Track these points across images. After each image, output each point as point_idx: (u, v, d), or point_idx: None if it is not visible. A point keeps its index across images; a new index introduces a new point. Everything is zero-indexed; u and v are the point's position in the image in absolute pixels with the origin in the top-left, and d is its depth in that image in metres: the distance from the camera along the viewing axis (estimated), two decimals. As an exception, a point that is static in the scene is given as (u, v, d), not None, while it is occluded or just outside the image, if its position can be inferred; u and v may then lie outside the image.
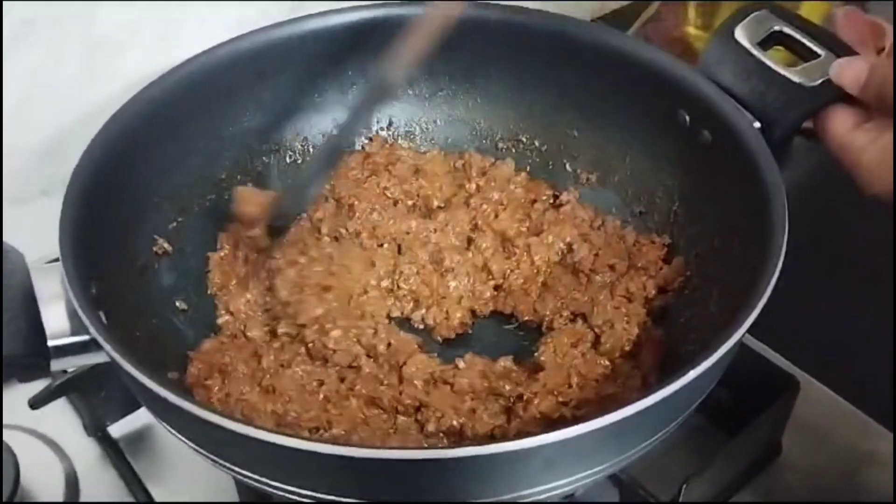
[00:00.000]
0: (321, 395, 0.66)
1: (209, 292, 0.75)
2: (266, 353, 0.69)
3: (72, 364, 0.58)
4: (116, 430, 0.79)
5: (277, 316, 0.71)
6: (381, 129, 0.85)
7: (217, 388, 0.66)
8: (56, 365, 0.57)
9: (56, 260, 0.58)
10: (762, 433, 0.71)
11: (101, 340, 0.54)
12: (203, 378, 0.67)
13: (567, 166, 0.82)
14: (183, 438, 0.57)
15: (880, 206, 0.96)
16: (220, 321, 0.73)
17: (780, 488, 0.74)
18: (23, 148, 0.88)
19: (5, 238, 0.61)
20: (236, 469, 0.55)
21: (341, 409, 0.65)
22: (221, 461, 0.56)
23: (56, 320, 0.57)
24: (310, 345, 0.69)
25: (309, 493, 0.54)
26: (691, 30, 1.15)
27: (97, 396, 0.77)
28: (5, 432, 0.74)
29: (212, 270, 0.75)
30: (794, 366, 0.77)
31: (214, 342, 0.71)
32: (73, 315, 0.57)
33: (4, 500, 0.68)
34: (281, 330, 0.71)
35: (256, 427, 0.50)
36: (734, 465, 0.72)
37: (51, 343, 0.57)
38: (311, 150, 0.84)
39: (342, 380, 0.68)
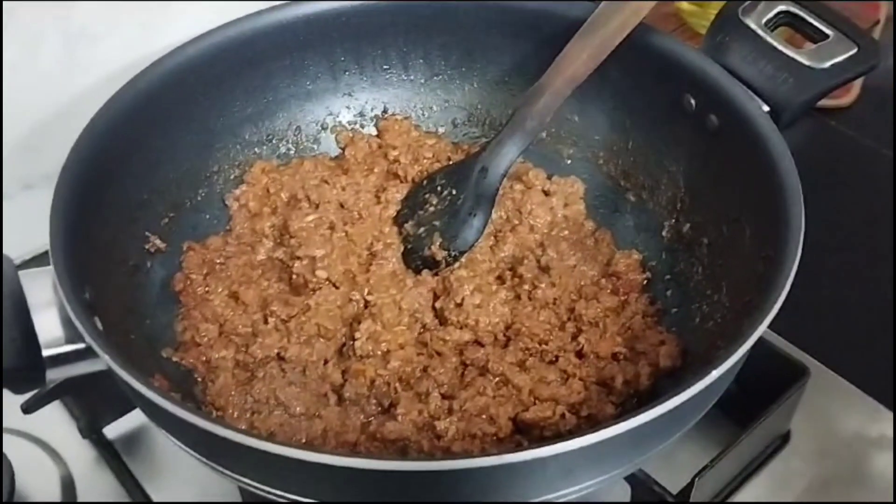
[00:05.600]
0: (279, 319, 0.69)
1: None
2: (254, 267, 0.73)
3: (67, 373, 0.56)
4: (111, 431, 0.77)
5: (281, 244, 0.74)
6: (377, 116, 0.83)
7: (200, 281, 0.71)
8: (52, 375, 0.55)
9: (39, 256, 0.56)
10: (773, 422, 0.70)
11: (98, 349, 0.52)
12: (191, 269, 0.72)
13: (564, 154, 0.81)
14: (183, 446, 0.56)
15: (879, 183, 0.96)
16: (237, 228, 0.77)
17: (789, 475, 0.73)
18: (3, 141, 0.86)
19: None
20: (238, 477, 0.54)
21: (298, 334, 0.68)
22: (223, 469, 0.55)
23: (49, 328, 0.55)
24: (294, 276, 0.71)
25: (312, 501, 0.53)
26: (685, 5, 1.13)
27: (91, 398, 0.75)
28: (-2, 437, 0.73)
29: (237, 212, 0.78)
30: (802, 352, 0.76)
31: (220, 240, 0.75)
32: (66, 322, 0.55)
33: (0, 506, 0.67)
34: (276, 255, 0.74)
35: (261, 439, 0.49)
36: (745, 454, 0.71)
37: (45, 353, 0.55)
38: (304, 139, 0.82)
39: (305, 310, 0.69)
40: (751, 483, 0.72)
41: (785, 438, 0.75)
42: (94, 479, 0.74)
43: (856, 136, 1.04)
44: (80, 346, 0.55)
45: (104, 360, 0.52)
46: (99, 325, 0.56)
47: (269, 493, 0.53)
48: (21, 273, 0.57)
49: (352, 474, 0.49)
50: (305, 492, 0.52)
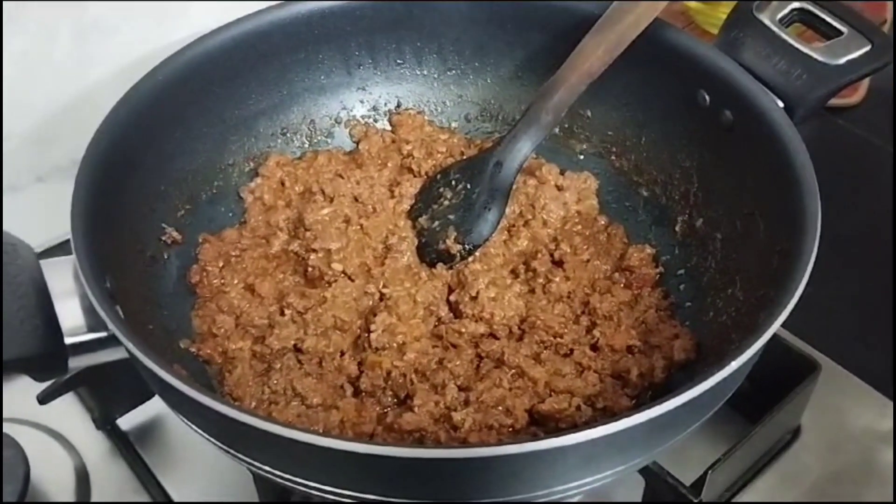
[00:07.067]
0: (295, 311, 0.69)
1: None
2: (269, 260, 0.74)
3: (89, 362, 0.56)
4: (125, 422, 0.77)
5: (296, 237, 0.74)
6: (390, 110, 0.83)
7: (216, 274, 0.72)
8: (74, 363, 0.56)
9: (51, 248, 0.56)
10: (784, 417, 0.71)
11: (121, 336, 0.52)
12: (207, 262, 0.72)
13: (577, 149, 0.81)
14: (204, 434, 0.56)
15: (886, 182, 0.96)
16: (252, 220, 0.77)
17: (800, 469, 0.73)
18: (15, 133, 0.86)
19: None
20: (258, 465, 0.54)
21: (315, 325, 0.68)
22: (244, 457, 0.55)
23: (71, 317, 0.55)
24: (310, 269, 0.71)
25: (335, 489, 0.53)
26: (693, 3, 1.14)
27: (105, 390, 0.75)
28: (13, 427, 0.73)
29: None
30: (812, 348, 0.77)
31: (235, 232, 0.75)
32: (88, 310, 0.55)
33: (16, 497, 0.67)
34: (291, 247, 0.74)
35: (283, 425, 0.49)
36: (757, 449, 0.71)
37: (68, 340, 0.55)
38: (318, 133, 0.82)
39: (322, 302, 0.69)
40: (762, 477, 0.73)
41: (795, 433, 0.75)
42: (108, 470, 0.75)
43: (863, 135, 1.04)
44: (102, 334, 0.55)
45: (127, 348, 0.52)
46: (121, 313, 0.56)
47: (288, 481, 0.54)
48: (42, 262, 0.57)
49: (370, 463, 0.49)
50: (327, 480, 0.52)
